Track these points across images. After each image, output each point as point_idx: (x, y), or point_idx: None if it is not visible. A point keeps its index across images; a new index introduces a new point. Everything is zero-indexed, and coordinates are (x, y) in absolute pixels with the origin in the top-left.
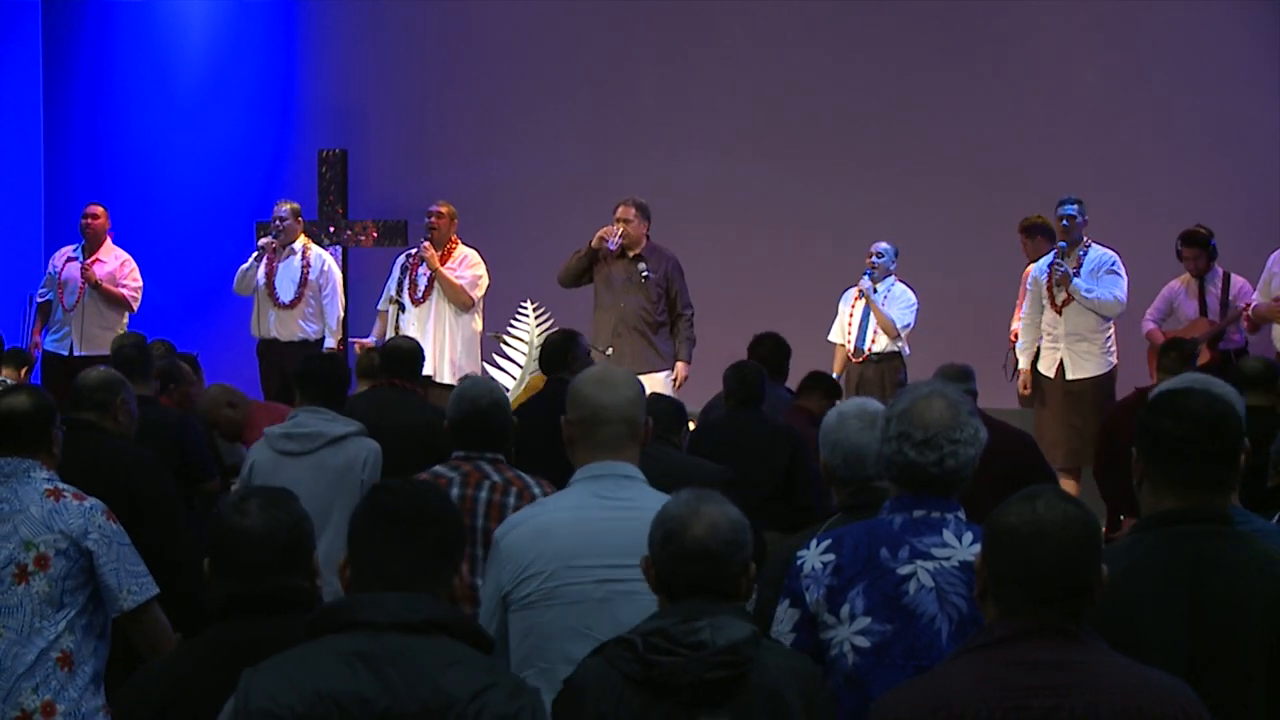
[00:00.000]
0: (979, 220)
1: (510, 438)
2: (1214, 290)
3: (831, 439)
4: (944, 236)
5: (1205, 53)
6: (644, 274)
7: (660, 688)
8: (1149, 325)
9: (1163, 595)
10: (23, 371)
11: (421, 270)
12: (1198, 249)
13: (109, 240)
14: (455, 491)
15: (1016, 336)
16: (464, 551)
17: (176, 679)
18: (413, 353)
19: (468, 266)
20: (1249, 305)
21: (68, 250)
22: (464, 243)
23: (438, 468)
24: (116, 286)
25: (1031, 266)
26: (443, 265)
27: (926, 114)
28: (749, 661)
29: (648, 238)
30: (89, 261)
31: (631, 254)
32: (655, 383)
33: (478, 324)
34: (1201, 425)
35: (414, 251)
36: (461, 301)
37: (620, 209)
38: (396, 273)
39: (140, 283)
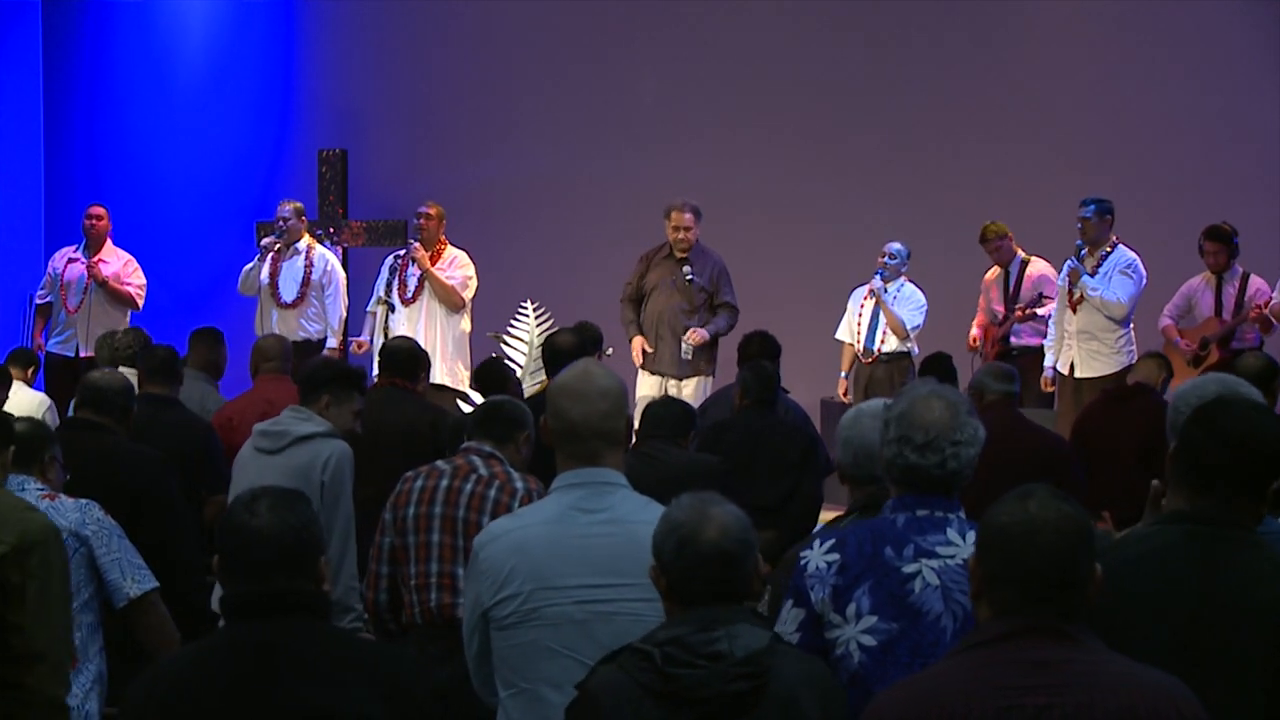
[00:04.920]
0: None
1: (512, 430)
2: (1231, 290)
3: (844, 437)
4: (954, 236)
5: (1221, 51)
6: (688, 276)
7: (680, 700)
8: (1165, 321)
9: (1166, 594)
10: (29, 372)
11: (411, 270)
12: (1219, 244)
13: (110, 241)
14: (444, 483)
15: (975, 342)
16: None
17: (181, 679)
18: (411, 353)
19: (457, 267)
20: (1260, 306)
21: (68, 251)
22: (453, 244)
23: (438, 461)
24: (122, 285)
25: (989, 274)
26: (432, 266)
27: (937, 115)
28: (768, 672)
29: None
30: (94, 260)
31: (679, 254)
32: (688, 388)
33: (467, 324)
34: (1245, 449)
35: (403, 252)
36: (452, 302)
37: (674, 215)
38: (385, 274)
39: (144, 281)
